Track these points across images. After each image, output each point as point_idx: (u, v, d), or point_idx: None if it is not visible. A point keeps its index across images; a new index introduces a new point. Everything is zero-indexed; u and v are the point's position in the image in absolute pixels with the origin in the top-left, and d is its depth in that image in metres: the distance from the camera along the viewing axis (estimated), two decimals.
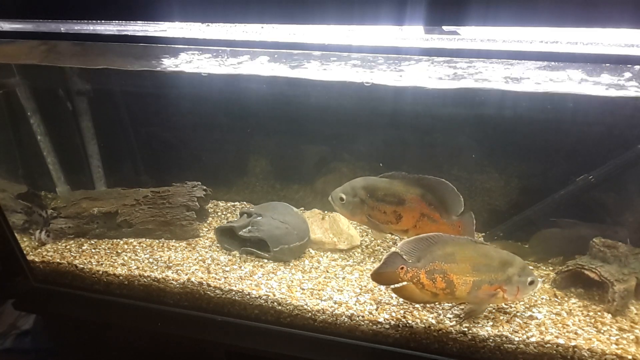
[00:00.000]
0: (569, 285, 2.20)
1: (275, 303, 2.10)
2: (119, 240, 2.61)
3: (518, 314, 2.00)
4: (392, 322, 1.95)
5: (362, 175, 2.36)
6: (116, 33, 1.84)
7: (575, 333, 1.88)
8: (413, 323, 1.94)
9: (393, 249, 1.93)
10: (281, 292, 2.13)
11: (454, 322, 1.94)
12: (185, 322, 2.21)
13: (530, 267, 1.97)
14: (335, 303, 2.06)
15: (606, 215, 2.39)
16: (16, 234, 2.43)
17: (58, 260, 2.41)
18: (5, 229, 2.34)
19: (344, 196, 2.31)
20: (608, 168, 2.21)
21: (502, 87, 2.03)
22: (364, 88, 2.23)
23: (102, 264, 2.37)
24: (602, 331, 1.90)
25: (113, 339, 2.48)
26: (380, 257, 2.21)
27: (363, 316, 1.98)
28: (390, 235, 2.68)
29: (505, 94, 2.19)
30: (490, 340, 1.87)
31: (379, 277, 1.94)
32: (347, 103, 2.57)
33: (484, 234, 2.60)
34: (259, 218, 2.47)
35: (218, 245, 2.56)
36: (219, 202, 3.10)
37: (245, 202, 3.10)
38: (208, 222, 2.86)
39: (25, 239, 2.66)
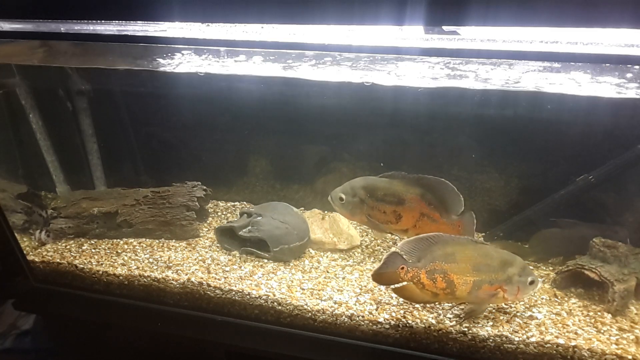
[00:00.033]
0: (569, 285, 2.20)
1: (275, 303, 2.10)
2: (119, 240, 2.61)
3: (518, 314, 2.00)
4: (392, 322, 1.95)
5: (362, 175, 2.36)
6: (116, 33, 1.84)
7: (575, 333, 1.88)
8: (413, 323, 1.94)
9: (393, 249, 1.93)
10: (281, 292, 2.13)
11: (454, 322, 1.94)
12: (185, 322, 2.21)
13: (530, 267, 1.96)
14: (335, 303, 2.06)
15: (606, 215, 2.39)
16: (16, 234, 2.43)
17: (58, 260, 2.41)
18: (5, 229, 2.34)
19: (343, 196, 2.31)
20: (608, 168, 2.21)
21: (501, 87, 2.03)
22: (363, 88, 2.23)
23: (102, 264, 2.37)
24: (602, 331, 1.90)
25: (113, 339, 2.48)
26: (380, 257, 2.21)
27: (363, 316, 1.98)
28: (390, 235, 2.68)
29: (505, 94, 2.19)
30: (490, 340, 1.87)
31: (379, 277, 1.94)
32: (347, 103, 2.57)
33: (484, 234, 2.60)
34: (259, 218, 2.47)
35: (218, 245, 2.56)
36: (219, 202, 3.10)
37: (245, 202, 3.10)
38: (208, 222, 2.86)
39: (25, 239, 2.66)
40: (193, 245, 2.58)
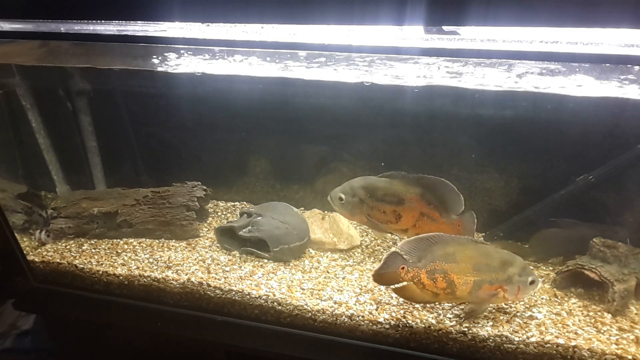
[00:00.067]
0: (569, 285, 2.20)
1: (275, 303, 2.10)
2: (119, 240, 2.61)
3: (518, 314, 2.00)
4: (392, 322, 1.95)
5: (362, 175, 2.36)
6: (116, 33, 1.84)
7: (575, 333, 1.88)
8: (413, 323, 1.94)
9: (393, 249, 1.93)
10: (281, 292, 2.13)
11: (454, 322, 1.94)
12: (185, 322, 2.21)
13: (530, 267, 1.96)
14: (335, 303, 2.06)
15: (606, 215, 2.39)
16: (16, 234, 2.43)
17: (58, 260, 2.41)
18: (5, 229, 2.34)
19: (343, 196, 2.31)
20: (608, 168, 2.21)
21: (501, 87, 2.03)
22: (363, 87, 2.23)
23: (102, 264, 2.37)
24: (602, 331, 1.90)
25: (113, 339, 2.48)
26: (380, 257, 2.21)
27: (363, 316, 1.98)
28: (390, 235, 2.68)
29: (505, 94, 2.19)
30: (490, 340, 1.87)
31: (380, 277, 1.94)
32: (347, 103, 2.57)
33: (484, 234, 2.59)
34: (259, 218, 2.47)
35: (218, 245, 2.56)
36: (219, 202, 3.10)
37: (245, 202, 3.10)
38: (208, 222, 2.86)
39: (25, 239, 2.66)
40: (193, 245, 2.58)
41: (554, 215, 2.38)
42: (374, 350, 1.98)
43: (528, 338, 1.85)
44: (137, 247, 2.55)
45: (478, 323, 1.93)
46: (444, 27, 1.52)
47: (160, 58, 2.23)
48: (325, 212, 2.76)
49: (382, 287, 2.14)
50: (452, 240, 1.92)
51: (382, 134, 2.67)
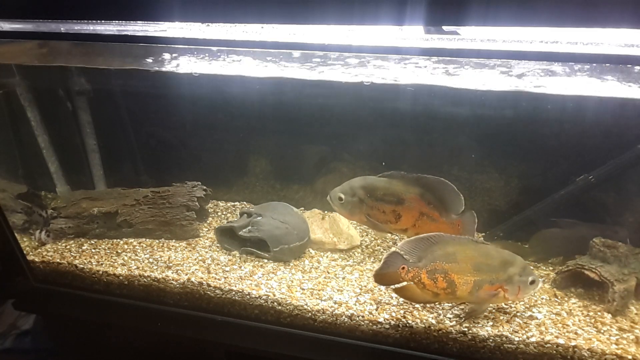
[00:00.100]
0: (569, 285, 2.20)
1: (275, 303, 2.10)
2: (119, 240, 2.61)
3: (518, 314, 2.00)
4: (392, 322, 1.95)
5: (362, 175, 2.36)
6: (116, 33, 1.84)
7: (575, 333, 1.88)
8: (413, 323, 1.94)
9: (393, 249, 1.93)
10: (281, 292, 2.13)
11: (454, 322, 1.94)
12: (185, 322, 2.21)
13: (531, 267, 1.96)
14: (335, 303, 2.06)
15: (606, 215, 2.39)
16: (16, 234, 2.43)
17: (58, 260, 2.41)
18: (5, 229, 2.34)
19: (342, 196, 2.31)
20: (608, 168, 2.21)
21: (501, 87, 2.03)
22: (363, 87, 2.23)
23: (102, 264, 2.37)
24: (602, 331, 1.90)
25: (113, 339, 2.48)
26: (380, 257, 2.21)
27: (363, 316, 1.98)
28: (390, 235, 2.68)
29: (505, 94, 2.19)
30: (490, 340, 1.87)
31: (381, 277, 1.94)
32: (347, 102, 2.57)
33: (484, 234, 2.59)
34: (259, 218, 2.47)
35: (218, 245, 2.56)
36: (219, 202, 3.10)
37: (245, 202, 3.10)
38: (208, 222, 2.86)
39: (25, 239, 2.66)
40: (193, 245, 2.58)
41: (554, 215, 2.38)
42: (374, 350, 1.98)
43: (528, 338, 1.85)
44: (137, 247, 2.55)
45: (478, 323, 1.93)
46: (444, 27, 1.52)
47: (160, 58, 2.23)
48: (325, 212, 2.76)
49: (382, 287, 2.14)
50: (453, 240, 1.92)
51: (381, 133, 2.67)
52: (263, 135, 2.91)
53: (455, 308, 2.03)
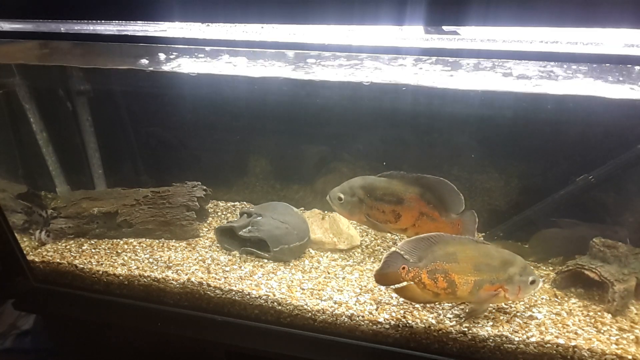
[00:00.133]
0: (569, 285, 2.20)
1: (275, 303, 2.10)
2: (119, 240, 2.61)
3: (518, 314, 2.00)
4: (392, 322, 1.95)
5: (362, 175, 2.35)
6: (116, 33, 1.84)
7: (575, 333, 1.88)
8: (413, 323, 1.94)
9: (393, 249, 1.93)
10: (281, 292, 2.13)
11: (454, 322, 1.94)
12: (185, 322, 2.21)
13: (531, 267, 1.96)
14: (335, 303, 2.06)
15: (606, 215, 2.39)
16: (16, 234, 2.43)
17: (58, 260, 2.41)
18: (5, 229, 2.34)
19: (342, 196, 2.31)
20: (608, 168, 2.21)
21: (502, 87, 2.03)
22: (363, 87, 2.23)
23: (102, 264, 2.37)
24: (602, 331, 1.90)
25: (113, 339, 2.48)
26: (380, 257, 2.21)
27: (363, 316, 1.98)
28: (390, 235, 2.68)
29: (505, 94, 2.19)
30: (490, 340, 1.87)
31: (382, 278, 1.94)
32: (347, 102, 2.57)
33: (484, 234, 2.59)
34: (259, 218, 2.47)
35: (218, 245, 2.56)
36: (219, 202, 3.10)
37: (245, 202, 3.10)
38: (208, 222, 2.86)
39: (25, 239, 2.66)
40: (193, 245, 2.58)
41: (554, 215, 2.38)
42: (374, 350, 1.98)
43: (528, 338, 1.85)
44: (137, 247, 2.55)
45: (478, 323, 1.93)
46: (444, 27, 1.52)
47: (160, 58, 2.23)
48: (325, 212, 2.76)
49: (382, 287, 2.14)
50: (453, 240, 1.92)
51: (381, 133, 2.67)
52: (263, 135, 2.91)
53: (455, 308, 2.03)
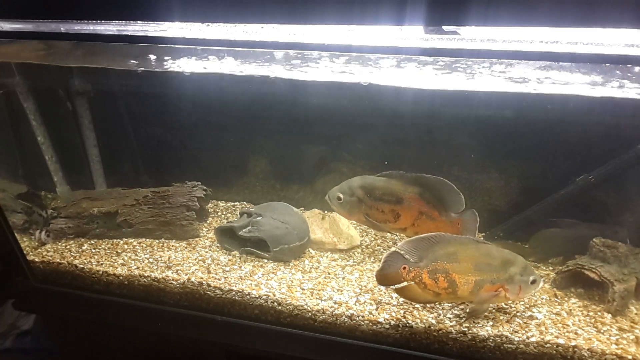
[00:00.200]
0: (569, 285, 2.20)
1: (275, 303, 2.10)
2: (119, 240, 2.61)
3: (518, 314, 2.00)
4: (392, 322, 1.95)
5: (362, 175, 2.35)
6: (116, 33, 1.84)
7: (575, 333, 1.88)
8: (413, 323, 1.94)
9: (393, 249, 1.93)
10: (281, 292, 2.13)
11: (454, 322, 1.94)
12: (185, 322, 2.21)
13: (531, 267, 1.96)
14: (335, 303, 2.06)
15: (606, 215, 2.39)
16: (16, 234, 2.43)
17: (58, 260, 2.41)
18: (5, 229, 2.34)
19: (341, 195, 2.30)
20: (608, 168, 2.21)
21: (502, 88, 2.03)
22: (363, 88, 2.23)
23: (102, 264, 2.37)
24: (602, 331, 1.90)
25: (113, 339, 2.48)
26: (380, 257, 2.21)
27: (363, 316, 1.98)
28: (390, 234, 2.68)
29: (505, 95, 2.19)
30: (490, 340, 1.87)
31: (383, 278, 1.93)
32: (347, 103, 2.57)
33: (484, 234, 2.59)
34: (259, 218, 2.47)
35: (218, 245, 2.56)
36: (219, 202, 3.10)
37: (245, 202, 3.10)
38: (208, 222, 2.86)
39: (25, 239, 2.66)
40: (193, 245, 2.58)
41: (554, 215, 2.38)
42: (374, 350, 1.98)
43: (528, 338, 1.85)
44: (137, 247, 2.55)
45: (478, 323, 1.93)
46: (444, 27, 1.52)
47: (160, 58, 2.23)
48: (325, 212, 2.76)
49: (382, 287, 2.14)
50: (454, 239, 1.92)
51: (382, 133, 2.67)
52: (263, 135, 2.91)
53: (456, 308, 2.03)
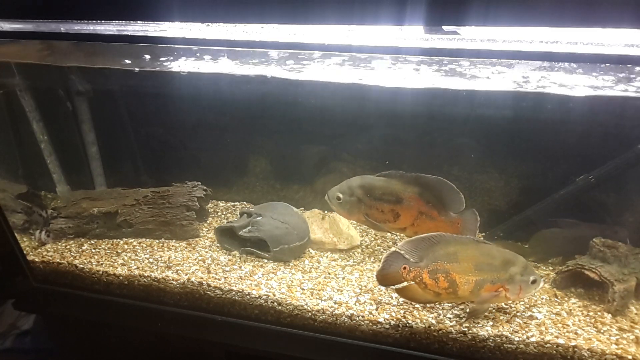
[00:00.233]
0: (569, 285, 2.20)
1: (275, 303, 2.10)
2: (119, 240, 2.61)
3: (518, 314, 2.00)
4: (392, 322, 1.95)
5: (362, 174, 2.35)
6: (116, 33, 1.84)
7: (575, 333, 1.88)
8: (413, 323, 1.94)
9: (393, 249, 1.93)
10: (281, 292, 2.13)
11: (454, 322, 1.94)
12: (185, 322, 2.21)
13: (532, 267, 1.96)
14: (335, 303, 2.06)
15: (606, 215, 2.39)
16: (16, 234, 2.43)
17: (58, 260, 2.41)
18: (5, 229, 2.34)
19: (340, 195, 2.30)
20: (608, 168, 2.21)
21: (502, 87, 2.03)
22: (363, 88, 2.23)
23: (102, 264, 2.37)
24: (602, 331, 1.90)
25: (113, 339, 2.48)
26: (380, 257, 2.21)
27: (363, 316, 1.98)
28: (390, 234, 2.68)
29: (505, 94, 2.19)
30: (490, 340, 1.87)
31: (383, 278, 1.93)
32: (347, 103, 2.57)
33: (484, 234, 2.59)
34: (259, 218, 2.47)
35: (218, 245, 2.56)
36: (219, 202, 3.10)
37: (245, 202, 3.10)
38: (208, 222, 2.86)
39: (25, 239, 2.66)
40: (193, 245, 2.58)
41: (554, 215, 2.38)
42: (374, 350, 1.98)
43: (528, 338, 1.85)
44: (137, 247, 2.55)
45: (478, 323, 1.93)
46: (444, 27, 1.52)
47: (159, 58, 2.23)
48: (325, 212, 2.76)
49: (382, 287, 2.14)
50: (454, 239, 1.92)
51: (382, 133, 2.67)
52: (263, 135, 2.91)
53: (456, 308, 2.03)
